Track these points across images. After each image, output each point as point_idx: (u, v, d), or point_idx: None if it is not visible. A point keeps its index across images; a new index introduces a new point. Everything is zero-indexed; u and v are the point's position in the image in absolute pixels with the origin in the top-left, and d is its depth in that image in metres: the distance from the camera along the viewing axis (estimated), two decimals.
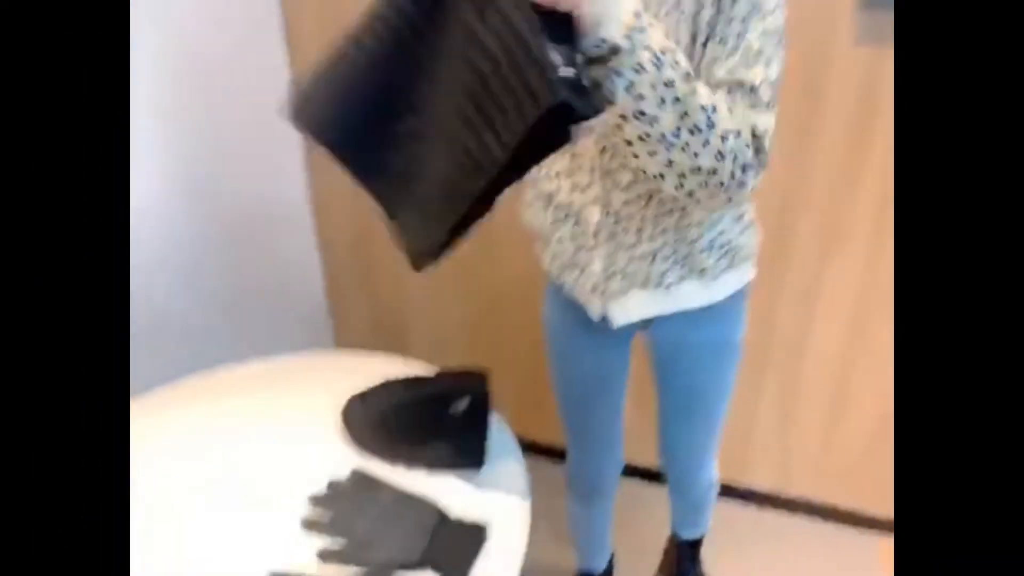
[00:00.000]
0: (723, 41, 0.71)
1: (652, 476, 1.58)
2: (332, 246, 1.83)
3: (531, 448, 1.85)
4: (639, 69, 0.62)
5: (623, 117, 0.65)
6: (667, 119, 0.65)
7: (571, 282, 0.96)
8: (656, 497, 1.44)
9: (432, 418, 0.95)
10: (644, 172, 0.72)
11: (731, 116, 0.69)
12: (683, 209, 0.85)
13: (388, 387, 1.04)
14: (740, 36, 0.71)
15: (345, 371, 1.11)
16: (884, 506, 1.62)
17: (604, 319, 0.96)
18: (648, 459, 1.35)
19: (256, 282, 1.63)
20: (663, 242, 0.87)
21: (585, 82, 0.60)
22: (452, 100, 0.63)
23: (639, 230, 0.87)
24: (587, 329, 1.02)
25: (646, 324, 0.99)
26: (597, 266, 0.90)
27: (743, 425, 1.66)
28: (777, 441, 1.65)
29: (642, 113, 0.64)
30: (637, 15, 0.62)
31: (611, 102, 0.63)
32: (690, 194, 0.72)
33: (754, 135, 0.70)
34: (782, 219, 1.41)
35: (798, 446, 1.64)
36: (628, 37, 0.61)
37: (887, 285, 1.41)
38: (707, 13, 0.72)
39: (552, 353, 1.12)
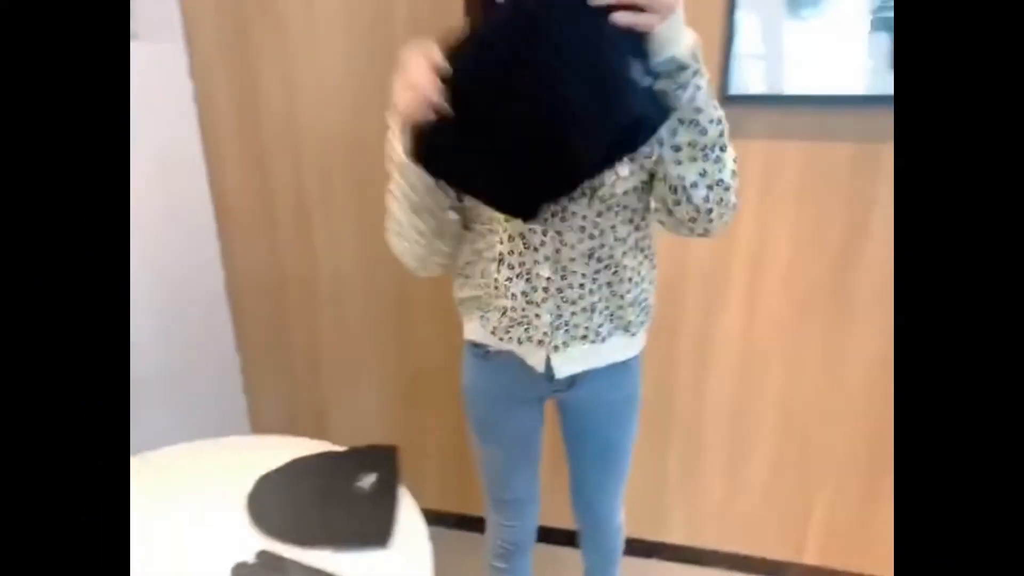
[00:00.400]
0: None
1: (567, 538, 1.62)
2: (248, 332, 1.83)
3: (455, 522, 1.87)
4: (699, 86, 0.76)
5: (680, 121, 0.78)
6: (712, 132, 0.80)
7: (518, 337, 1.02)
8: (571, 559, 1.48)
9: (339, 494, 0.98)
10: (681, 180, 0.84)
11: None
12: (616, 266, 0.97)
13: (296, 465, 1.06)
14: None
15: (257, 453, 1.12)
16: (786, 551, 1.72)
17: (548, 371, 1.03)
18: (565, 521, 1.40)
19: (168, 367, 1.61)
20: (600, 296, 0.98)
21: (655, 91, 0.74)
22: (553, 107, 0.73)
23: (581, 285, 0.97)
24: (507, 394, 1.10)
25: (570, 383, 1.07)
26: (545, 319, 0.98)
27: (654, 482, 1.74)
28: (685, 495, 1.74)
29: (696, 123, 0.78)
30: (696, 41, 0.75)
31: (675, 108, 0.76)
32: (710, 210, 0.86)
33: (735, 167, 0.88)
34: (671, 284, 1.55)
35: (705, 498, 1.73)
36: (694, 57, 0.74)
37: (766, 336, 1.55)
38: None
39: (473, 421, 1.18)
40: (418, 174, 0.84)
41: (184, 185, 1.64)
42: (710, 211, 0.86)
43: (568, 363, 1.03)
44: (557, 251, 0.95)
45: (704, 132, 0.80)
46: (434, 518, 1.85)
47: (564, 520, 1.39)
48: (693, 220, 0.88)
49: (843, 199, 1.42)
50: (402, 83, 0.76)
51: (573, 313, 0.99)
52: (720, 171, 0.83)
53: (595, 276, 0.97)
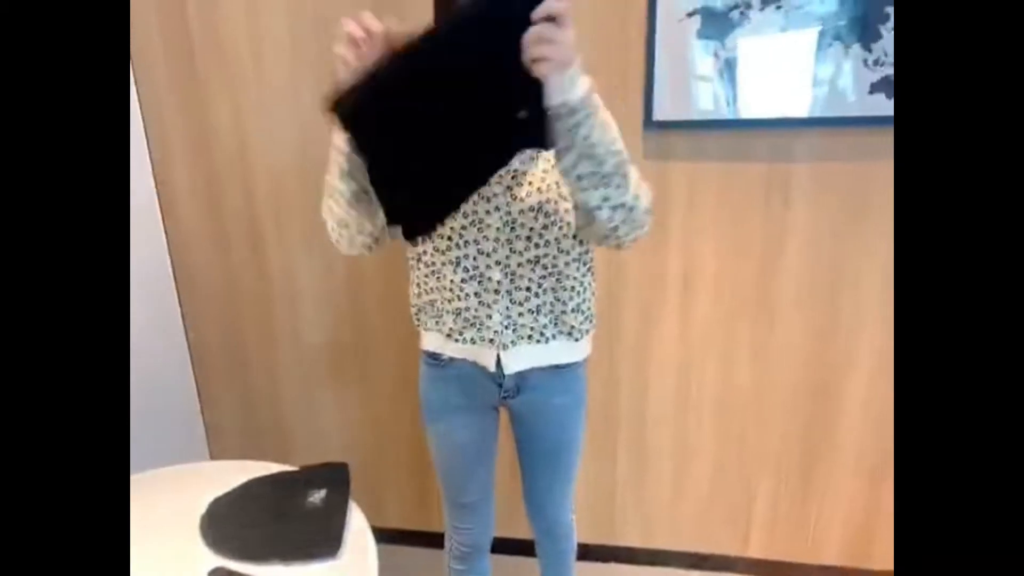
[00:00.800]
0: None
1: (527, 548, 1.68)
2: (204, 356, 1.87)
3: (418, 539, 1.91)
4: (592, 125, 0.86)
5: (579, 155, 0.88)
6: (610, 162, 0.89)
7: (471, 338, 1.12)
8: (529, 567, 1.54)
9: (290, 510, 1.03)
10: (586, 205, 0.93)
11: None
12: (559, 275, 1.09)
13: (249, 487, 1.11)
14: None
15: (211, 478, 1.16)
16: (733, 546, 1.81)
17: (498, 368, 1.13)
18: (524, 532, 1.47)
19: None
20: (544, 300, 1.10)
21: (542, 123, 0.85)
22: (459, 116, 0.86)
23: (528, 288, 1.08)
24: (461, 402, 1.19)
25: (518, 389, 1.17)
26: (496, 319, 1.09)
27: (605, 489, 1.82)
28: (635, 499, 1.82)
29: (592, 156, 0.88)
30: (591, 88, 0.85)
31: (564, 143, 0.87)
32: (615, 228, 0.95)
33: (645, 190, 0.98)
34: (611, 295, 1.64)
35: (654, 501, 1.82)
36: (585, 102, 0.85)
37: (700, 343, 1.66)
38: None
39: (430, 429, 1.26)
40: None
41: (136, 214, 1.68)
42: (616, 228, 0.95)
43: (516, 360, 1.13)
44: (507, 257, 1.06)
45: (602, 163, 0.89)
46: (396, 536, 1.91)
47: (523, 531, 1.46)
48: (605, 237, 0.98)
49: (759, 214, 1.54)
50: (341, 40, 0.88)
51: (520, 314, 1.09)
52: (622, 195, 0.92)
53: (540, 282, 1.08)
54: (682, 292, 1.63)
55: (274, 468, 1.19)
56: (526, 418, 1.23)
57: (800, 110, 1.44)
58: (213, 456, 1.94)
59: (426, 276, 1.13)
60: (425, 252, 1.11)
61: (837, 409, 1.66)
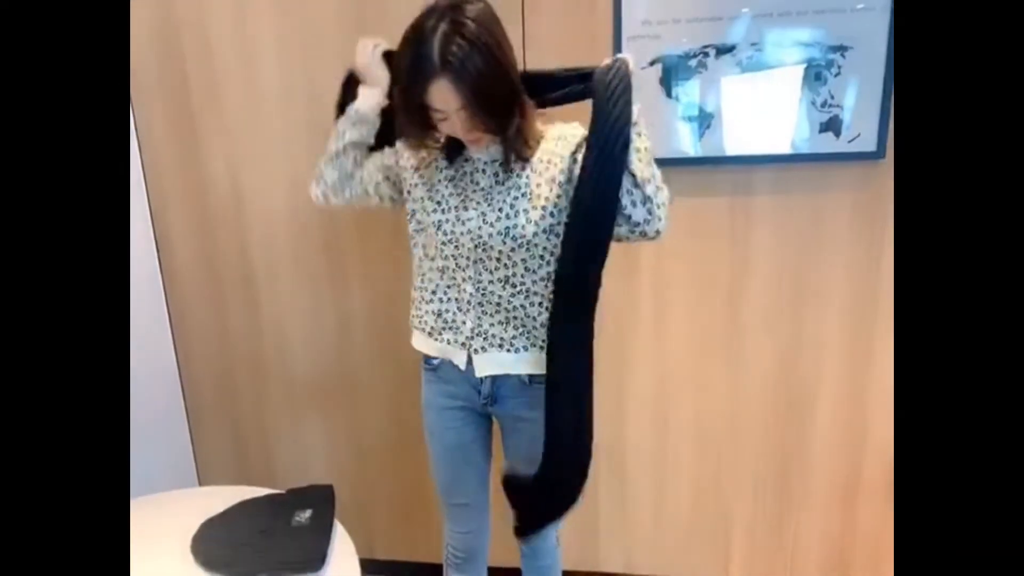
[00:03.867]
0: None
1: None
2: (196, 393, 1.92)
3: (407, 571, 1.94)
4: (640, 134, 1.05)
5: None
6: (653, 168, 1.09)
7: (447, 339, 1.22)
8: None
9: (277, 529, 1.08)
10: (650, 182, 1.09)
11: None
12: (528, 292, 1.17)
13: (238, 508, 1.15)
14: None
15: (202, 501, 1.21)
16: (714, 569, 1.84)
17: (469, 368, 1.22)
18: (513, 560, 1.50)
19: None
20: (514, 314, 1.18)
21: None
22: None
23: (498, 303, 1.17)
24: (449, 404, 1.28)
25: (493, 398, 1.25)
26: (468, 325, 1.19)
27: (588, 516, 1.86)
28: (616, 525, 1.86)
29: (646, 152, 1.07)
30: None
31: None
32: (657, 218, 1.12)
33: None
34: None
35: (635, 526, 1.85)
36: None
37: (675, 367, 1.73)
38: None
39: (428, 432, 1.34)
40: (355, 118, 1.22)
41: (135, 255, 1.75)
42: (658, 219, 1.12)
43: (486, 365, 1.22)
44: (479, 274, 1.16)
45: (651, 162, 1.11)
46: (384, 567, 1.93)
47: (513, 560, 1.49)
48: (639, 224, 1.12)
49: (725, 244, 1.63)
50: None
51: (491, 324, 1.19)
52: (657, 189, 1.12)
53: (510, 299, 1.17)
54: (655, 320, 1.71)
55: (263, 492, 1.24)
56: (505, 428, 1.31)
57: (758, 148, 1.55)
58: (202, 485, 1.97)
59: (419, 277, 1.26)
60: (421, 258, 1.24)
61: (808, 429, 1.72)
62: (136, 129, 1.74)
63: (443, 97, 1.00)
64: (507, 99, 1.03)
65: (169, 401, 1.89)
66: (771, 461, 1.76)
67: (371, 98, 1.20)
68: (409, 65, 1.00)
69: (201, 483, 1.97)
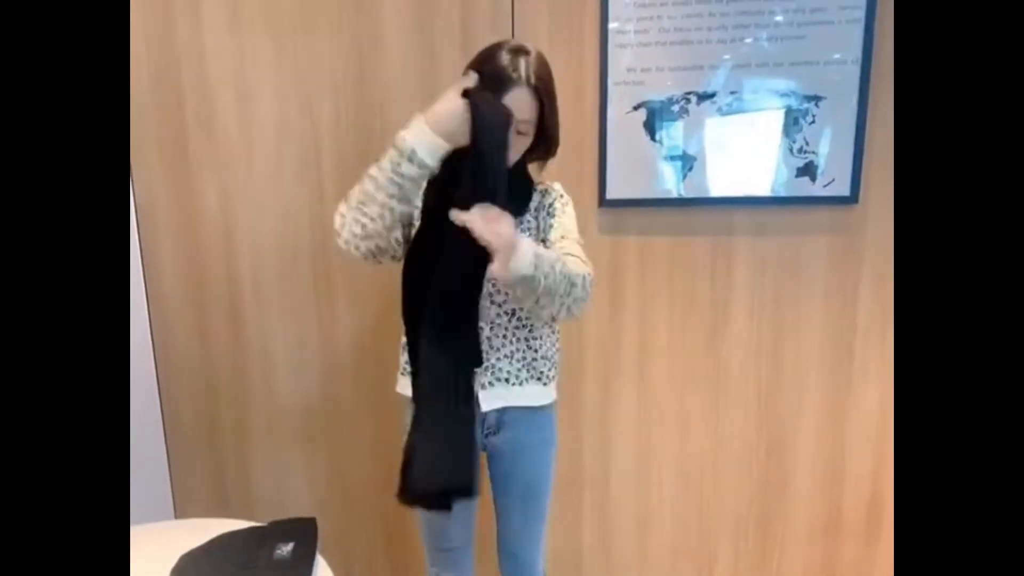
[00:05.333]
0: (561, 236, 1.22)
1: None
2: (177, 423, 1.90)
3: None
4: (544, 277, 1.04)
5: (533, 294, 1.07)
6: (561, 284, 1.07)
7: None
8: None
9: (258, 563, 1.07)
10: (540, 310, 1.11)
11: (577, 266, 1.14)
12: (531, 326, 1.24)
13: (219, 541, 1.14)
14: (566, 228, 1.24)
15: (180, 534, 1.19)
16: None
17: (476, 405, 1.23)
18: None
19: None
20: (517, 347, 1.24)
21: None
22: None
23: (504, 336, 1.23)
24: None
25: (498, 427, 1.27)
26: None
27: (571, 552, 1.85)
28: (600, 562, 1.85)
29: (548, 290, 1.06)
30: (536, 255, 1.03)
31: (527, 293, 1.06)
32: (554, 318, 1.14)
33: (587, 277, 1.14)
34: (571, 359, 1.74)
35: (619, 562, 1.84)
36: (535, 267, 1.02)
37: (657, 405, 1.75)
38: (541, 226, 1.25)
39: None
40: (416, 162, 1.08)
41: None
42: (554, 318, 1.15)
43: (492, 399, 1.25)
44: (488, 308, 1.21)
45: (552, 291, 1.08)
46: None
47: None
48: (551, 319, 1.19)
49: (706, 283, 1.68)
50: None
51: (497, 359, 1.24)
52: (569, 292, 1.11)
53: (515, 331, 1.24)
54: (638, 358, 1.73)
55: (243, 524, 1.22)
56: (504, 455, 1.32)
57: (738, 190, 1.61)
58: (178, 517, 1.93)
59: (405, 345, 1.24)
60: None
61: (789, 465, 1.75)
62: (131, 160, 1.76)
63: (519, 104, 1.09)
64: (558, 125, 1.19)
65: (148, 430, 1.87)
66: (753, 496, 1.77)
67: (440, 149, 1.07)
68: (493, 74, 1.09)
69: (177, 515, 1.93)
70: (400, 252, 1.17)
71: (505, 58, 1.10)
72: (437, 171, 1.08)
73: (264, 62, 1.67)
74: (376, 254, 1.14)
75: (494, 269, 1.01)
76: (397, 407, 1.33)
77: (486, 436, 1.29)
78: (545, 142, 1.19)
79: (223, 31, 1.66)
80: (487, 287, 1.20)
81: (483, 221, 1.01)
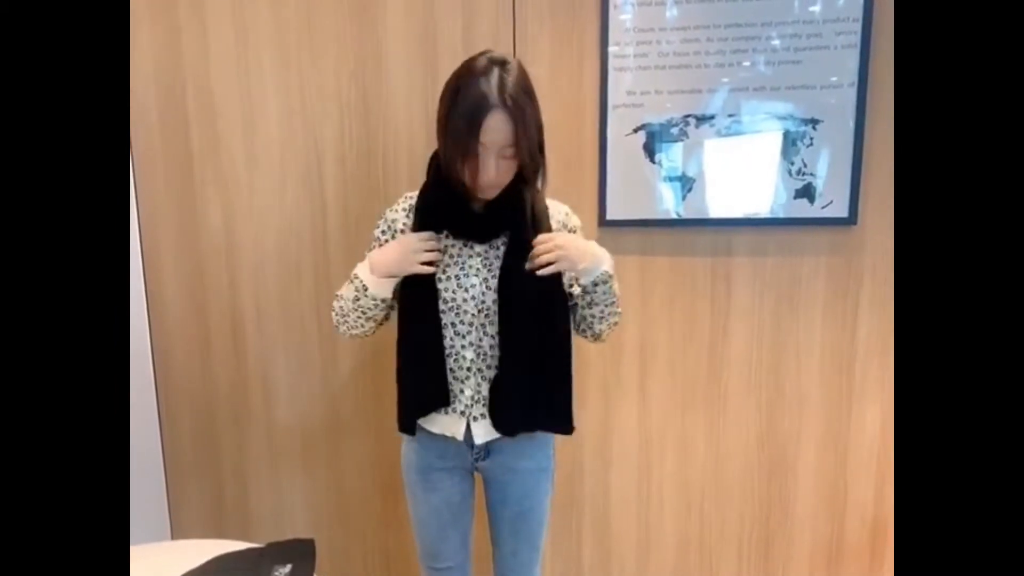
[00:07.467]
0: None
1: None
2: (175, 436, 1.89)
3: None
4: (612, 278, 1.21)
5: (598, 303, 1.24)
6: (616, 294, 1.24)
7: (443, 411, 1.24)
8: None
9: None
10: (595, 317, 1.26)
11: None
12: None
13: (216, 561, 1.13)
14: None
15: (178, 554, 1.18)
16: None
17: (467, 438, 1.24)
18: None
19: None
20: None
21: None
22: None
23: (495, 367, 1.21)
24: (436, 465, 1.28)
25: (487, 453, 1.27)
26: (467, 393, 1.22)
27: (572, 570, 1.83)
28: None
29: (614, 293, 1.23)
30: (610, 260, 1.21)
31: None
32: (601, 331, 1.30)
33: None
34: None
35: None
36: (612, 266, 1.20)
37: (658, 426, 1.74)
38: None
39: (409, 493, 1.34)
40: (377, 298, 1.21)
41: None
42: (605, 327, 1.30)
43: (483, 432, 1.24)
44: (480, 339, 1.19)
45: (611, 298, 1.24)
46: None
47: None
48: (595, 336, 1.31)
49: (706, 303, 1.68)
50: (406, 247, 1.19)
51: (489, 390, 1.21)
52: (614, 302, 1.26)
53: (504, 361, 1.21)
54: (639, 378, 1.73)
55: (241, 546, 1.21)
56: (496, 480, 1.31)
57: (737, 211, 1.62)
58: (174, 538, 1.91)
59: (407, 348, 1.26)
60: (406, 332, 1.24)
61: (791, 487, 1.73)
62: (134, 174, 1.77)
63: (497, 128, 1.08)
64: (540, 146, 1.17)
65: (145, 449, 1.85)
66: (755, 518, 1.76)
67: (389, 283, 1.21)
68: (467, 101, 1.08)
69: (174, 536, 1.91)
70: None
71: (481, 77, 1.08)
72: (392, 300, 1.24)
73: (269, 80, 1.69)
74: (380, 325, 1.29)
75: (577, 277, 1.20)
76: (396, 431, 1.32)
77: (475, 461, 1.29)
78: (530, 159, 1.14)
79: (229, 51, 1.68)
80: (479, 318, 1.20)
81: (543, 248, 1.14)
